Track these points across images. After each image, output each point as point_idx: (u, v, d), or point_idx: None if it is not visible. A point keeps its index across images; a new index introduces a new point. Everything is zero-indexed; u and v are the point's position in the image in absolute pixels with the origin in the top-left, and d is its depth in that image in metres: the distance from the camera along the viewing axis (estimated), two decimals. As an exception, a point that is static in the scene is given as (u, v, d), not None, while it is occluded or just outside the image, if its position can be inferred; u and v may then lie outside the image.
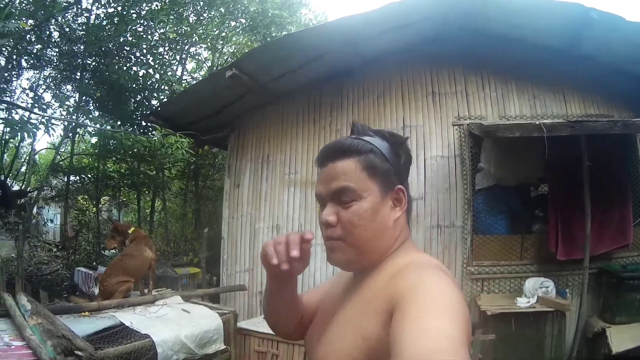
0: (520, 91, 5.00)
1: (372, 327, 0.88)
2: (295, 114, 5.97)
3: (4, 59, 7.64)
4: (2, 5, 3.67)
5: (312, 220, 5.54)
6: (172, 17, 8.68)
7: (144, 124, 8.48)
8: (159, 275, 6.26)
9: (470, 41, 5.05)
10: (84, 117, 8.68)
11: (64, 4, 7.03)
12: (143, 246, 5.23)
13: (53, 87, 9.47)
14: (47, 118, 7.24)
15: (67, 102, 8.81)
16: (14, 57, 7.96)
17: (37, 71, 9.14)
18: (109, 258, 7.81)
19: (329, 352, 0.97)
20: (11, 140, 9.81)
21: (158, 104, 8.52)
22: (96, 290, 5.77)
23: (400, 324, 0.77)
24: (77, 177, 9.78)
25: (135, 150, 8.11)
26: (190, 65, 10.98)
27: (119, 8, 8.08)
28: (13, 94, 9.08)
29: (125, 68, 8.68)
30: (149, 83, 9.03)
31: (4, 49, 7.16)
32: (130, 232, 5.44)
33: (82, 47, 8.22)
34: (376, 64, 5.52)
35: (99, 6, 8.52)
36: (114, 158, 9.17)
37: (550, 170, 4.70)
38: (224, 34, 9.98)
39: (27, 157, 11.57)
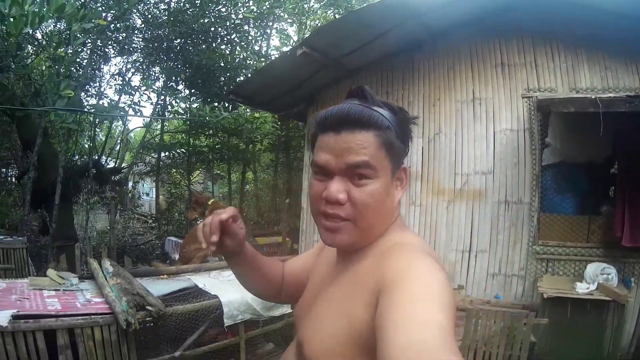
0: (591, 62, 4.92)
1: (357, 310, 0.91)
2: (368, 87, 6.52)
3: (89, 50, 8.66)
4: (78, 7, 4.61)
5: None
6: None
7: (229, 103, 9.59)
8: None
9: (539, 9, 5.02)
10: (172, 97, 10.07)
11: None
12: None
13: (141, 71, 10.57)
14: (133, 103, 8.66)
15: (154, 85, 10.13)
16: (99, 47, 9.13)
17: (124, 57, 10.18)
18: (197, 227, 9.13)
19: (314, 331, 1.00)
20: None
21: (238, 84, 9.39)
22: (177, 257, 6.69)
23: (388, 310, 0.80)
24: (168, 153, 11.39)
25: (222, 126, 9.27)
26: (276, 41, 11.65)
27: None
28: (102, 80, 10.29)
29: (210, 48, 9.51)
30: (236, 61, 9.84)
31: (88, 42, 8.37)
32: (209, 203, 6.51)
33: (165, 31, 9.06)
34: (445, 36, 5.67)
35: None
36: (205, 133, 10.56)
37: (619, 149, 4.66)
38: (306, 7, 10.49)
39: (121, 136, 13.10)
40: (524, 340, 3.78)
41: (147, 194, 14.67)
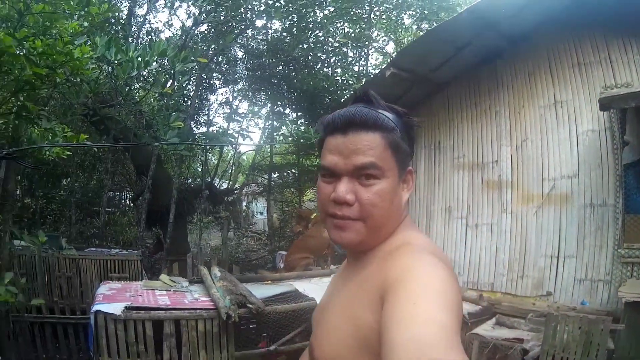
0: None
1: (363, 313, 0.96)
2: (458, 100, 6.81)
3: (194, 83, 10.02)
4: (179, 49, 5.66)
5: (479, 201, 6.37)
6: (347, 18, 10.21)
7: None
8: (344, 254, 8.24)
9: (610, 2, 5.12)
10: (279, 122, 11.43)
11: (233, 35, 9.03)
12: (322, 228, 6.88)
13: (247, 98, 11.94)
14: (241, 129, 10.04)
15: (261, 111, 11.43)
16: (205, 79, 10.39)
17: (230, 86, 11.61)
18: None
19: (324, 334, 1.08)
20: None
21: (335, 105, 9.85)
22: (282, 265, 7.76)
23: (390, 311, 0.85)
24: (278, 174, 12.57)
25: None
26: (377, 60, 12.57)
27: (294, 20, 9.88)
28: (210, 109, 11.79)
29: (312, 72, 10.48)
30: (338, 82, 10.81)
31: (192, 77, 9.63)
32: (312, 217, 7.64)
33: (266, 60, 10.26)
34: (523, 41, 6.01)
35: (274, 22, 10.50)
36: (310, 154, 11.69)
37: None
38: (399, 24, 11.22)
39: (232, 159, 14.44)
40: (600, 346, 3.95)
41: (261, 213, 16.15)
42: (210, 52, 9.49)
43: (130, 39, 7.53)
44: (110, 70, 5.25)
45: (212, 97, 12.13)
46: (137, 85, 8.86)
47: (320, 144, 1.14)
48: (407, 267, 0.94)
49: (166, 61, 7.51)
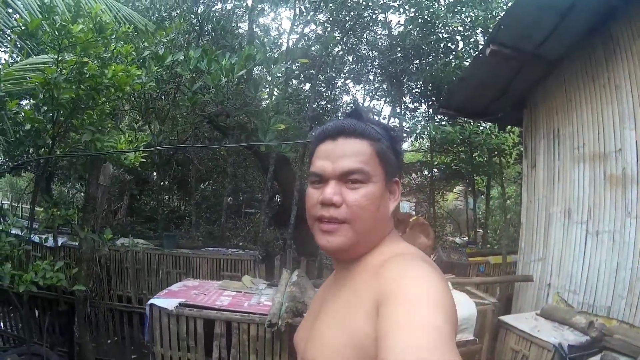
0: None
1: (358, 322, 0.95)
2: (575, 77, 5.66)
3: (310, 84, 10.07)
4: (270, 54, 5.69)
5: (601, 201, 5.14)
6: (470, 3, 9.30)
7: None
8: (450, 262, 7.24)
9: None
10: (411, 117, 10.75)
11: (337, 36, 8.89)
12: (417, 233, 6.40)
13: (381, 96, 11.73)
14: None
15: (395, 107, 11.10)
16: (329, 79, 10.59)
17: (361, 85, 11.50)
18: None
19: (317, 348, 1.05)
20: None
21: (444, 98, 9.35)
22: None
23: (387, 318, 0.85)
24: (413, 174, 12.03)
25: (455, 140, 9.45)
26: None
27: (418, 11, 9.40)
28: (338, 111, 11.38)
29: (448, 62, 9.82)
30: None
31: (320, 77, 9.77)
32: (411, 220, 6.91)
33: (394, 55, 9.86)
34: None
35: (397, 15, 10.11)
36: (447, 150, 10.87)
37: None
38: None
39: None
40: None
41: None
42: (307, 61, 9.36)
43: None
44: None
45: (346, 97, 11.99)
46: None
47: (312, 154, 1.17)
48: (402, 275, 0.95)
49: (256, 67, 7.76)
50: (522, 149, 9.85)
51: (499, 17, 9.87)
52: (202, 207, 11.09)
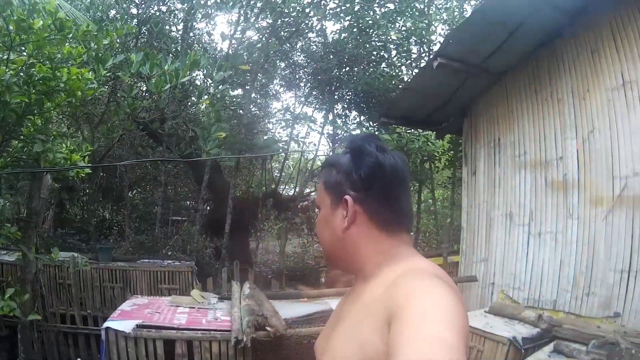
0: None
1: (369, 337, 0.97)
2: (517, 90, 6.08)
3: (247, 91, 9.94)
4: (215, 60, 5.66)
5: (542, 205, 5.58)
6: (407, 13, 9.71)
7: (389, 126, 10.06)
8: None
9: None
10: (342, 122, 11.06)
11: (276, 41, 8.93)
12: None
13: (310, 103, 11.77)
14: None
15: (324, 116, 11.25)
16: (261, 87, 10.53)
17: (292, 92, 11.55)
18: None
19: (330, 359, 1.08)
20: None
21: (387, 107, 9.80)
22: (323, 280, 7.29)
23: (397, 333, 0.86)
24: None
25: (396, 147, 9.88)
26: None
27: (352, 19, 9.59)
28: (270, 117, 11.78)
29: (377, 71, 10.16)
30: (404, 80, 10.33)
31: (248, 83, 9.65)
32: None
33: (326, 63, 9.98)
34: (583, 15, 5.18)
35: (332, 23, 10.32)
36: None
37: None
38: (460, 15, 10.25)
39: (299, 165, 14.32)
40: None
41: None
42: (247, 68, 9.40)
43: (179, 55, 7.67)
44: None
45: (277, 104, 12.03)
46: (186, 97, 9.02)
47: None
48: (414, 290, 0.96)
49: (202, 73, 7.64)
50: (451, 156, 10.51)
51: (435, 27, 10.52)
52: (132, 216, 10.58)
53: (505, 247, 6.08)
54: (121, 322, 4.25)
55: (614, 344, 3.94)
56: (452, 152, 10.20)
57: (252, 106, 9.85)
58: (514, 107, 6.21)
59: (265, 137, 10.53)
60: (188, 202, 13.34)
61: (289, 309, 4.80)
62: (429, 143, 8.05)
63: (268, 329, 4.14)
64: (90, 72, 4.15)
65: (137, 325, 4.18)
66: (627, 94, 4.69)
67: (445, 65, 5.83)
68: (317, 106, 11.83)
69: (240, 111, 9.81)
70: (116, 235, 10.81)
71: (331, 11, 9.11)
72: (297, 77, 11.08)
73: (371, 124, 10.88)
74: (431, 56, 11.08)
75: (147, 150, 9.95)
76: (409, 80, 8.50)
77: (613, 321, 4.44)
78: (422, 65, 10.78)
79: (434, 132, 7.87)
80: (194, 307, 5.00)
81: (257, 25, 9.09)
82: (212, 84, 7.22)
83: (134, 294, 6.85)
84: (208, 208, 9.43)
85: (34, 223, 5.05)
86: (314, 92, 11.22)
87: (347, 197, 1.13)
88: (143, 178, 11.41)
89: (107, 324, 4.22)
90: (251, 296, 4.85)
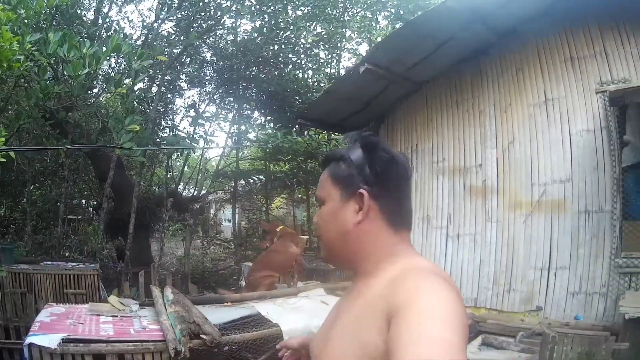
0: (668, 45, 4.62)
1: (369, 335, 0.97)
2: (438, 100, 6.42)
3: (156, 85, 9.55)
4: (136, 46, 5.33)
5: (460, 209, 5.96)
6: (320, 18, 9.88)
7: (301, 128, 9.98)
8: (312, 269, 7.42)
9: None
10: (247, 125, 11.00)
11: (196, 33, 8.68)
12: (288, 242, 6.39)
13: (214, 101, 11.51)
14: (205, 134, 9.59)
15: (228, 115, 11.06)
16: (169, 80, 9.91)
17: (197, 89, 11.17)
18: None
19: (329, 358, 1.08)
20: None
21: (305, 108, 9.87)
22: (244, 283, 7.03)
23: (398, 331, 0.87)
24: (245, 181, 12.22)
25: (297, 151, 9.98)
26: (349, 61, 12.12)
27: (265, 20, 9.55)
28: (175, 113, 11.35)
29: (283, 74, 10.21)
30: (309, 84, 10.53)
31: (157, 76, 9.27)
32: (278, 230, 6.67)
33: (235, 61, 9.84)
34: (511, 35, 5.66)
35: (245, 22, 10.18)
36: (282, 159, 11.33)
37: None
38: (373, 24, 10.78)
39: (199, 166, 13.78)
40: (598, 365, 3.53)
41: (229, 220, 15.26)
42: (176, 51, 9.08)
43: (95, 40, 7.05)
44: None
45: (179, 101, 11.56)
46: (96, 86, 8.48)
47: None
48: (413, 288, 0.96)
49: (122, 59, 7.09)
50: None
51: (346, 34, 10.78)
52: (31, 214, 9.53)
53: (423, 248, 6.37)
54: (44, 336, 3.83)
55: (541, 334, 4.32)
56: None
57: (159, 101, 9.30)
58: (433, 116, 6.57)
59: (172, 134, 9.98)
60: (84, 201, 12.27)
61: (215, 314, 4.64)
62: (338, 147, 8.26)
63: (203, 336, 3.96)
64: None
65: (62, 339, 3.78)
66: (549, 110, 5.25)
67: (371, 71, 6.02)
68: (222, 105, 11.52)
69: (149, 106, 9.23)
70: (13, 235, 9.89)
71: (246, 9, 8.92)
72: (203, 73, 10.69)
73: (273, 125, 10.86)
74: (340, 62, 11.55)
75: (52, 142, 9.01)
76: (332, 83, 8.62)
77: (536, 314, 4.91)
78: (329, 70, 11.11)
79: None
80: (116, 316, 4.65)
81: (177, 16, 8.60)
82: (126, 74, 6.76)
83: (46, 302, 6.21)
84: (108, 207, 8.74)
85: None
86: (220, 91, 10.91)
87: (362, 190, 1.12)
88: (42, 173, 10.42)
89: (29, 339, 3.78)
90: (176, 302, 4.63)
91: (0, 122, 6.25)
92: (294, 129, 9.83)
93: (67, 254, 8.89)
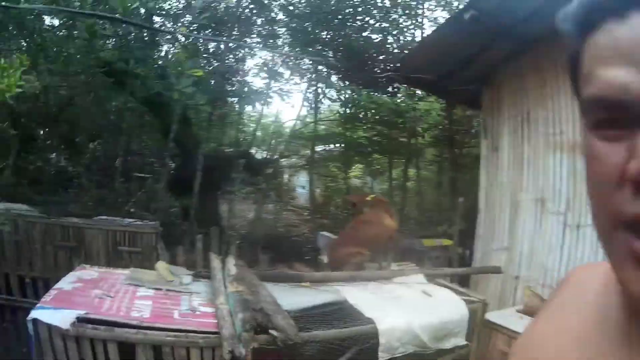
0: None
1: None
2: (554, 63, 5.43)
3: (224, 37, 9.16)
4: None
5: (582, 194, 4.89)
6: None
7: (389, 89, 9.38)
8: (403, 248, 6.43)
9: None
10: (324, 85, 10.26)
11: None
12: (383, 213, 5.42)
13: (289, 61, 11.05)
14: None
15: (304, 75, 10.44)
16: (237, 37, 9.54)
17: (270, 50, 10.69)
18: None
19: None
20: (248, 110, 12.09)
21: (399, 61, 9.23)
22: (326, 259, 6.17)
23: None
24: (324, 147, 11.61)
25: (381, 116, 9.31)
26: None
27: None
28: (247, 73, 10.98)
29: (361, 36, 9.74)
30: (389, 49, 9.96)
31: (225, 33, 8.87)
32: (368, 199, 5.73)
33: (308, 24, 9.43)
34: None
35: None
36: (362, 126, 10.65)
37: None
38: None
39: (273, 127, 13.61)
40: None
41: (303, 187, 14.73)
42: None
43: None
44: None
45: (250, 62, 11.48)
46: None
47: (574, 56, 0.51)
48: None
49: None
50: (437, 133, 10.01)
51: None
52: (92, 168, 9.65)
53: (535, 236, 5.49)
54: (55, 311, 3.05)
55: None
56: (437, 129, 9.77)
57: (228, 56, 8.88)
58: (548, 81, 5.55)
59: (245, 88, 9.56)
60: (152, 159, 12.31)
61: (288, 298, 3.65)
62: (432, 112, 7.41)
63: (273, 332, 2.96)
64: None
65: (77, 318, 2.96)
66: None
67: (477, 19, 5.06)
68: (297, 65, 10.92)
69: (215, 60, 8.79)
70: (76, 189, 9.81)
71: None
72: (275, 34, 10.23)
73: (355, 86, 10.15)
74: (423, 30, 10.54)
75: (110, 93, 8.98)
76: (434, 30, 7.71)
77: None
78: (408, 38, 10.22)
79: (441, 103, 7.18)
80: (160, 289, 3.83)
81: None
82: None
83: (84, 263, 5.88)
84: (174, 164, 8.56)
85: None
86: (296, 49, 10.36)
87: None
88: (105, 127, 10.47)
89: (35, 313, 3.02)
90: (240, 278, 3.72)
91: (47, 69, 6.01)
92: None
93: (131, 210, 8.80)
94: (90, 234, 6.34)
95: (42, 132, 9.79)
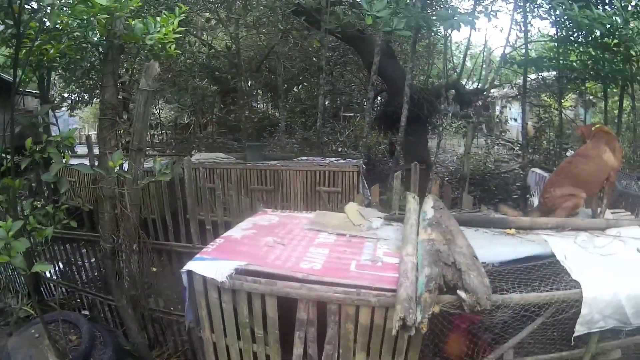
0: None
1: None
2: None
3: None
4: None
5: None
6: None
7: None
8: (619, 192, 5.47)
9: None
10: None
11: None
12: (603, 146, 4.37)
13: None
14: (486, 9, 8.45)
15: None
16: None
17: None
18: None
19: None
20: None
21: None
22: (535, 201, 5.47)
23: None
24: (535, 74, 10.54)
25: (595, 35, 8.18)
26: None
27: None
28: None
29: None
30: None
31: None
32: (593, 129, 4.65)
33: None
34: None
35: None
36: (574, 47, 9.50)
37: None
38: None
39: (482, 56, 12.89)
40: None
41: (515, 119, 13.54)
42: None
43: None
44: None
45: None
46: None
47: None
48: None
49: None
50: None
51: None
52: (295, 111, 10.47)
53: None
54: (213, 262, 2.97)
55: None
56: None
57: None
58: None
59: (449, 10, 9.33)
60: (359, 96, 12.48)
61: (488, 248, 3.17)
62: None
63: (460, 294, 2.44)
64: None
65: (236, 269, 2.85)
66: None
67: None
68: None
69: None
70: (285, 132, 10.44)
71: None
72: None
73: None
74: None
75: (304, 34, 9.38)
76: None
77: None
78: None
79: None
80: (343, 234, 3.54)
81: None
82: None
83: (294, 201, 6.17)
84: (380, 99, 8.75)
85: (108, 121, 4.26)
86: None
87: None
88: (307, 70, 10.90)
89: (190, 265, 2.98)
90: (436, 223, 3.25)
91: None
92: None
93: (339, 150, 9.23)
94: (287, 176, 6.60)
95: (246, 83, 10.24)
